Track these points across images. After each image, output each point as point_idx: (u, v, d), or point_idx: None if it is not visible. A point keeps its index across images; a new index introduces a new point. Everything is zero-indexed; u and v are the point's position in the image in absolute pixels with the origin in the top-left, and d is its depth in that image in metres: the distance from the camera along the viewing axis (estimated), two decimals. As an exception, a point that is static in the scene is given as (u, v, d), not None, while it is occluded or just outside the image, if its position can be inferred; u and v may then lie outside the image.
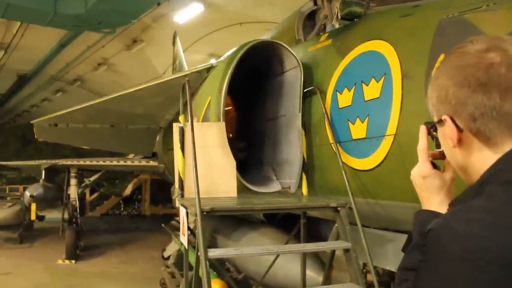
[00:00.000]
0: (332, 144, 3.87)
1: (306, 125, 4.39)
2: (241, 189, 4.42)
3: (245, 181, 4.49)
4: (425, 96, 1.90)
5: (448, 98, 1.06)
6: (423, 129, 1.22)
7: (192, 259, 4.26)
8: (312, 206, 3.80)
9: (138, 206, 18.00)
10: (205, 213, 3.26)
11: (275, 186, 4.66)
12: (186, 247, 3.85)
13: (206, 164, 4.15)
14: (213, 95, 4.65)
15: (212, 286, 4.91)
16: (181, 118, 4.22)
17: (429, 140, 1.22)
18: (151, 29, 14.86)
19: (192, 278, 3.86)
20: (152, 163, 10.28)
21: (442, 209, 1.20)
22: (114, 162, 10.80)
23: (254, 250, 3.47)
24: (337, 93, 3.88)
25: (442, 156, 1.20)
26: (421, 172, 1.23)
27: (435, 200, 1.23)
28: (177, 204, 4.04)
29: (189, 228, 3.84)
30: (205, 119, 4.84)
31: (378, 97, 3.37)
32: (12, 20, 13.95)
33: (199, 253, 3.12)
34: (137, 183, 17.16)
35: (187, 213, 3.65)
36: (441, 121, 1.10)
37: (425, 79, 2.94)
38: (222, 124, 4.32)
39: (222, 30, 13.78)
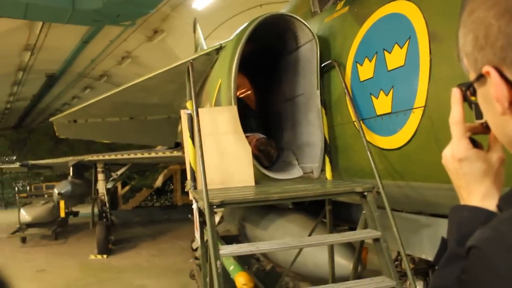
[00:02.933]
0: (355, 122, 3.64)
1: (326, 103, 4.16)
2: (260, 177, 4.23)
3: (264, 168, 4.30)
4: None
5: (490, 39, 0.71)
6: (456, 94, 0.86)
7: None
8: (334, 192, 3.53)
9: (170, 197, 18.11)
10: (214, 206, 3.04)
11: (297, 172, 4.44)
12: (199, 242, 3.60)
13: (218, 153, 3.96)
14: (223, 77, 4.44)
15: (237, 280, 4.79)
16: (188, 104, 4.00)
17: (466, 108, 0.86)
18: (171, 18, 14.69)
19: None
20: (176, 153, 10.20)
21: (488, 203, 0.83)
22: (138, 155, 10.78)
23: (270, 245, 3.16)
24: (357, 65, 3.60)
25: (485, 129, 0.84)
26: (456, 153, 0.86)
27: (477, 191, 0.85)
28: (190, 196, 3.81)
29: (204, 222, 3.63)
30: (217, 103, 4.66)
31: (403, 65, 3.06)
32: (33, 21, 14.07)
33: (209, 252, 2.85)
34: (167, 174, 17.22)
35: (198, 207, 3.40)
36: (481, 77, 0.74)
37: (457, 38, 2.54)
38: (234, 108, 4.07)
39: (243, 14, 13.47)
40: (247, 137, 4.18)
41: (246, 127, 4.64)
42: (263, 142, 4.68)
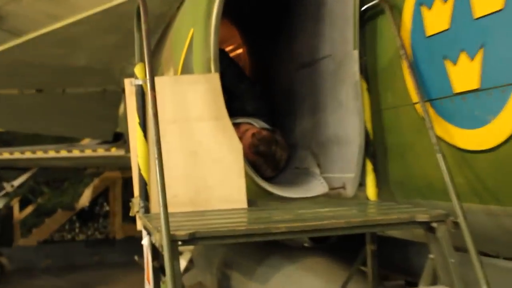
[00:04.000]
0: (418, 105, 3.68)
1: (369, 73, 4.22)
2: (257, 194, 4.34)
3: (265, 180, 4.39)
4: None
5: None
6: None
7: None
8: (381, 222, 3.51)
9: (104, 225, 18.08)
10: (180, 242, 3.01)
11: (318, 186, 4.54)
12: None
13: (188, 152, 4.04)
14: (197, 25, 4.56)
15: None
16: (137, 69, 4.02)
17: None
18: None
19: None
20: (115, 151, 10.29)
21: None
22: (50, 153, 10.72)
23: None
24: (423, 8, 3.65)
25: None
26: None
27: None
28: (139, 225, 3.90)
29: (161, 269, 3.62)
30: (186, 69, 4.78)
31: (502, 9, 3.06)
32: None
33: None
34: (99, 187, 17.21)
35: (152, 243, 3.45)
36: None
37: None
38: (215, 77, 4.14)
39: None
40: (237, 126, 4.20)
41: (236, 110, 4.63)
42: (265, 138, 4.74)
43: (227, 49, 6.55)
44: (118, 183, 17.06)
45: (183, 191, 3.89)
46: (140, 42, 3.96)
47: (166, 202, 3.14)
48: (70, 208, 17.74)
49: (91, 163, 12.28)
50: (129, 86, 3.99)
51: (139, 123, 3.89)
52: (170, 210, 3.17)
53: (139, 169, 3.90)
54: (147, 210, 3.84)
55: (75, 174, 16.36)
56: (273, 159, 4.77)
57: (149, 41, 3.83)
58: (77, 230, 18.02)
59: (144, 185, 3.87)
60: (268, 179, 4.47)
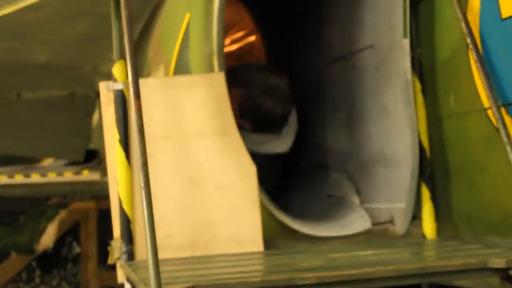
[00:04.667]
0: (491, 111, 3.67)
1: (425, 69, 4.25)
2: (276, 231, 4.35)
3: (285, 214, 4.39)
4: None
5: None
6: None
7: None
8: (444, 270, 3.51)
9: (74, 273, 18.11)
10: None
11: (357, 221, 4.58)
12: None
13: (185, 179, 4.04)
14: (195, 8, 4.58)
15: None
16: (115, 68, 4.03)
17: None
18: None
19: None
20: (87, 174, 10.35)
21: None
22: (1, 178, 10.76)
23: None
24: None
25: None
26: None
27: None
28: (120, 276, 3.93)
29: None
30: (180, 67, 4.79)
31: None
32: None
33: None
34: (67, 222, 17.24)
35: None
36: None
37: None
38: (219, 78, 4.16)
39: None
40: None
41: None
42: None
43: (236, 35, 6.63)
44: (92, 217, 16.95)
45: (178, 230, 3.88)
46: (120, 33, 3.97)
47: (156, 246, 3.13)
48: (28, 251, 17.71)
49: (56, 190, 12.32)
50: (106, 92, 4.00)
51: (120, 140, 3.88)
52: (161, 256, 3.17)
53: (120, 201, 3.89)
54: (131, 256, 3.84)
55: (34, 205, 16.37)
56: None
57: (131, 31, 3.79)
58: (37, 280, 18.00)
59: (126, 222, 3.87)
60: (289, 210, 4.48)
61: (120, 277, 3.91)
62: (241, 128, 4.50)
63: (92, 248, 17.50)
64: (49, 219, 17.46)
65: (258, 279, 3.32)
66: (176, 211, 3.91)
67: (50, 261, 17.95)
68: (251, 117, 4.92)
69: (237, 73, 4.85)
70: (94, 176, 10.11)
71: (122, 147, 3.89)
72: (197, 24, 4.54)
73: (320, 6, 5.21)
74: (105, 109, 4.05)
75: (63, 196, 13.86)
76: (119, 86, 3.94)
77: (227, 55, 5.01)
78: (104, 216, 16.24)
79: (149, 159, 3.46)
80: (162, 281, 3.00)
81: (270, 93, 4.91)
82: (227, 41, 6.39)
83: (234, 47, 6.63)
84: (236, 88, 4.73)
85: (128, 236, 3.88)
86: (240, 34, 6.71)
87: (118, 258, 3.91)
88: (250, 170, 4.06)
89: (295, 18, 5.60)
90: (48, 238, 17.45)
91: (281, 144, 5.28)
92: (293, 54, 5.76)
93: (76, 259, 17.97)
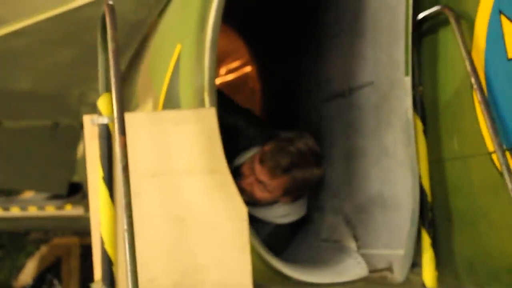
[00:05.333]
0: (495, 155, 3.64)
1: (427, 109, 4.22)
2: (267, 275, 4.36)
3: (277, 258, 4.38)
4: None
5: None
6: None
7: None
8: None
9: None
10: None
11: (354, 267, 4.51)
12: None
13: (172, 218, 3.97)
14: (188, 38, 4.57)
15: None
16: (100, 102, 3.92)
17: None
18: None
19: None
20: (70, 208, 10.28)
21: None
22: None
23: None
24: (503, 19, 3.62)
25: None
26: None
27: None
28: None
29: None
30: (169, 100, 4.76)
31: None
32: None
33: None
34: (48, 258, 17.21)
35: None
36: None
37: None
38: (210, 114, 4.10)
39: None
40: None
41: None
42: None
43: (230, 66, 6.57)
44: (75, 253, 16.98)
45: (164, 273, 3.81)
46: (106, 64, 3.90)
47: None
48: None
49: (36, 225, 12.23)
50: (90, 126, 3.91)
51: (103, 178, 3.79)
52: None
53: (102, 242, 3.79)
54: None
55: (13, 240, 16.37)
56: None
57: (118, 63, 3.80)
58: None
59: (108, 264, 3.75)
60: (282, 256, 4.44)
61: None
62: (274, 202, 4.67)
63: (74, 286, 17.47)
64: (29, 255, 17.46)
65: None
66: (162, 253, 3.84)
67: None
68: (295, 192, 4.89)
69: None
70: (78, 211, 10.11)
71: (106, 185, 3.80)
72: (188, 55, 4.53)
73: (318, 39, 5.24)
74: (89, 144, 3.98)
75: (44, 231, 13.87)
76: (104, 120, 3.83)
77: (220, 85, 4.97)
78: (87, 253, 16.22)
79: (135, 197, 3.45)
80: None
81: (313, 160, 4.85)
82: (221, 71, 6.42)
83: (228, 77, 6.69)
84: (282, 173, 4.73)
85: (110, 279, 3.74)
86: (234, 64, 6.78)
87: (98, 306, 3.84)
88: (240, 211, 3.98)
89: (292, 50, 5.62)
90: (27, 274, 17.44)
91: (301, 207, 5.23)
92: (291, 88, 5.77)
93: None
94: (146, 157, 3.88)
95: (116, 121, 3.60)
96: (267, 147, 4.80)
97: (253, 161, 4.79)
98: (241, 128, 5.42)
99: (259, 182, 4.74)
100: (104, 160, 3.80)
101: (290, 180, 4.74)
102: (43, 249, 16.91)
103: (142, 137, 3.88)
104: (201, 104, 4.25)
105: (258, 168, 4.71)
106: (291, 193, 4.88)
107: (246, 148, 5.16)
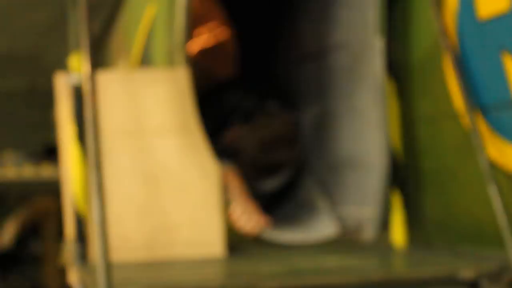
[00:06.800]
0: (464, 115, 3.69)
1: (398, 69, 4.24)
2: (239, 234, 4.40)
3: None
4: None
5: None
6: None
7: None
8: (410, 280, 3.54)
9: (34, 273, 18.02)
10: None
11: (325, 226, 4.56)
12: None
13: (144, 177, 3.98)
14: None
15: None
16: (71, 60, 4.00)
17: None
18: None
19: None
20: (48, 169, 10.12)
21: None
22: None
23: None
24: None
25: None
26: None
27: None
28: (72, 279, 3.90)
29: None
30: (143, 61, 4.79)
31: None
32: None
33: None
34: (27, 221, 17.16)
35: None
36: None
37: None
38: (182, 73, 4.13)
39: None
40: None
41: (213, 120, 4.67)
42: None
43: (205, 28, 6.49)
44: (55, 214, 16.86)
45: (135, 231, 3.81)
46: (76, 24, 3.85)
47: (108, 247, 3.06)
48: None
49: (14, 186, 12.16)
50: (62, 84, 3.95)
51: (75, 136, 3.83)
52: (116, 258, 3.19)
53: (74, 201, 3.84)
54: (84, 258, 3.77)
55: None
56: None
57: (87, 21, 3.74)
58: (-4, 280, 17.91)
59: (80, 223, 3.81)
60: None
61: (72, 280, 3.86)
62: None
63: (54, 247, 17.41)
64: (7, 218, 17.37)
65: (216, 284, 3.33)
66: (134, 211, 3.84)
67: (8, 261, 17.85)
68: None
69: None
70: (56, 172, 9.98)
71: (78, 144, 3.83)
72: (161, 16, 4.51)
73: (292, 0, 5.20)
74: (60, 103, 4.05)
75: (22, 194, 13.76)
76: (75, 79, 3.86)
77: (196, 48, 4.95)
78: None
79: (106, 156, 3.46)
80: (114, 285, 2.95)
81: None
82: (196, 33, 6.36)
83: (203, 40, 6.59)
84: None
85: (82, 237, 3.81)
86: (210, 27, 6.68)
87: (72, 262, 3.88)
88: (211, 170, 4.00)
89: (268, 12, 5.61)
90: (6, 237, 17.35)
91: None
92: (266, 52, 5.78)
93: (36, 260, 17.87)
94: (119, 116, 3.86)
95: (87, 79, 3.57)
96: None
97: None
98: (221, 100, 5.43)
99: None
100: (75, 118, 3.82)
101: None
102: (23, 211, 16.82)
103: (115, 97, 3.86)
104: (173, 64, 4.26)
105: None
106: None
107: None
